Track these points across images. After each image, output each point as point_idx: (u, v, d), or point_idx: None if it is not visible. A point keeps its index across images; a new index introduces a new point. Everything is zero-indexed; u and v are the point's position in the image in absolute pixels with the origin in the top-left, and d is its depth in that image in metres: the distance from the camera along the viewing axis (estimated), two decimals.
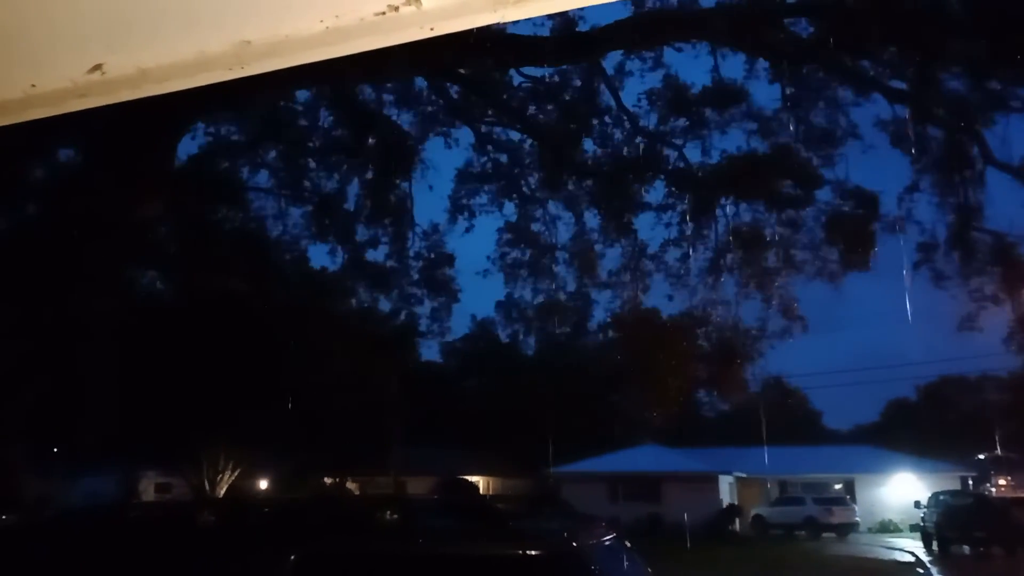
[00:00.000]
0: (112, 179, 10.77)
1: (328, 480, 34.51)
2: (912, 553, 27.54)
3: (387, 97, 16.15)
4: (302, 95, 15.51)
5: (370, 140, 16.40)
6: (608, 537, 3.78)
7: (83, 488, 24.68)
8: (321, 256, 28.07)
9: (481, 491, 37.70)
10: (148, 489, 32.21)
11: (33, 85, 1.24)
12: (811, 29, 13.32)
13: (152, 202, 12.40)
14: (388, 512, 3.91)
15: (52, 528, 4.58)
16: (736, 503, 40.45)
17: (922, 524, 30.54)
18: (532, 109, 15.68)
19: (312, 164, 17.42)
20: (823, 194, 15.04)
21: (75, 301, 11.27)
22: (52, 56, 1.21)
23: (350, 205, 17.77)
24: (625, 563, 3.92)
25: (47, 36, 1.19)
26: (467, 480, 36.50)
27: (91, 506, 18.48)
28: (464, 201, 17.40)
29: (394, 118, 16.30)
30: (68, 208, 11.26)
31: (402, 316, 22.44)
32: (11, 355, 10.15)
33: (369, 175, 17.23)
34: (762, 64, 14.09)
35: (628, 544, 4.06)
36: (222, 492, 27.51)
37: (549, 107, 15.56)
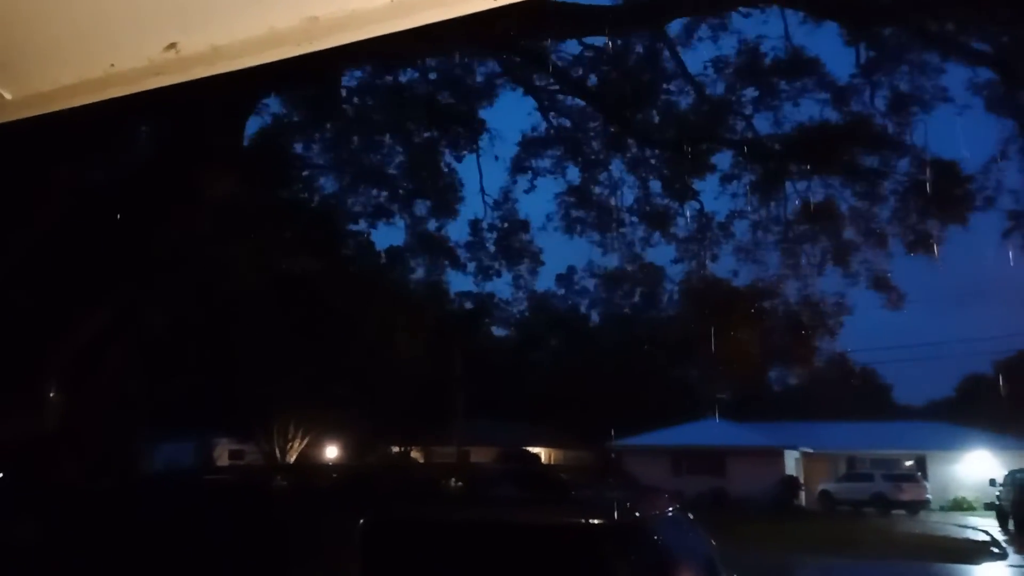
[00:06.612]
0: (186, 156, 11.03)
1: (395, 450, 35.15)
2: (986, 532, 26.81)
3: (448, 67, 16.09)
4: (363, 67, 15.51)
5: (432, 111, 16.40)
6: (671, 509, 3.78)
7: (160, 454, 25.68)
8: (387, 230, 28.37)
9: (544, 462, 37.92)
10: (223, 455, 33.30)
11: (112, 64, 1.28)
12: None
13: (223, 179, 12.67)
14: (454, 480, 3.98)
15: (135, 492, 4.78)
16: (800, 478, 39.86)
17: (997, 502, 29.67)
18: (593, 78, 15.42)
19: (374, 137, 17.49)
20: (899, 164, 14.54)
21: (150, 273, 11.64)
22: (130, 36, 1.25)
23: (414, 177, 17.90)
24: (688, 535, 3.92)
25: (125, 17, 1.23)
26: (531, 451, 36.78)
27: (169, 471, 19.20)
28: (528, 166, 17.29)
29: (457, 88, 16.27)
30: (144, 184, 11.58)
31: (467, 289, 22.65)
32: (91, 327, 10.55)
33: (431, 146, 17.27)
34: (836, 28, 13.60)
35: (691, 517, 4.05)
36: (293, 459, 28.32)
37: (612, 75, 15.27)
